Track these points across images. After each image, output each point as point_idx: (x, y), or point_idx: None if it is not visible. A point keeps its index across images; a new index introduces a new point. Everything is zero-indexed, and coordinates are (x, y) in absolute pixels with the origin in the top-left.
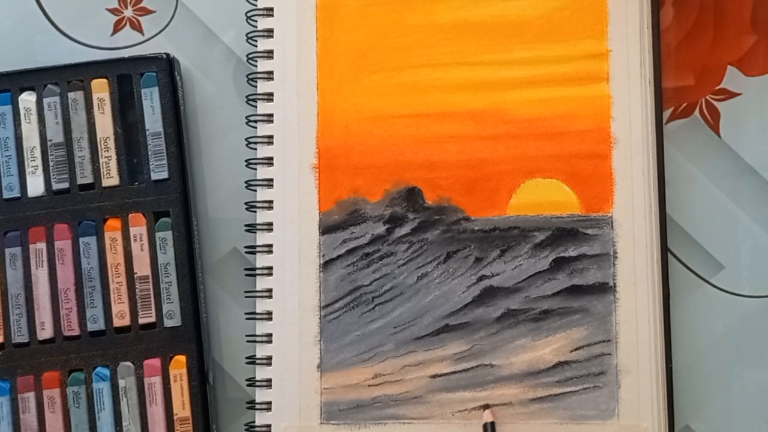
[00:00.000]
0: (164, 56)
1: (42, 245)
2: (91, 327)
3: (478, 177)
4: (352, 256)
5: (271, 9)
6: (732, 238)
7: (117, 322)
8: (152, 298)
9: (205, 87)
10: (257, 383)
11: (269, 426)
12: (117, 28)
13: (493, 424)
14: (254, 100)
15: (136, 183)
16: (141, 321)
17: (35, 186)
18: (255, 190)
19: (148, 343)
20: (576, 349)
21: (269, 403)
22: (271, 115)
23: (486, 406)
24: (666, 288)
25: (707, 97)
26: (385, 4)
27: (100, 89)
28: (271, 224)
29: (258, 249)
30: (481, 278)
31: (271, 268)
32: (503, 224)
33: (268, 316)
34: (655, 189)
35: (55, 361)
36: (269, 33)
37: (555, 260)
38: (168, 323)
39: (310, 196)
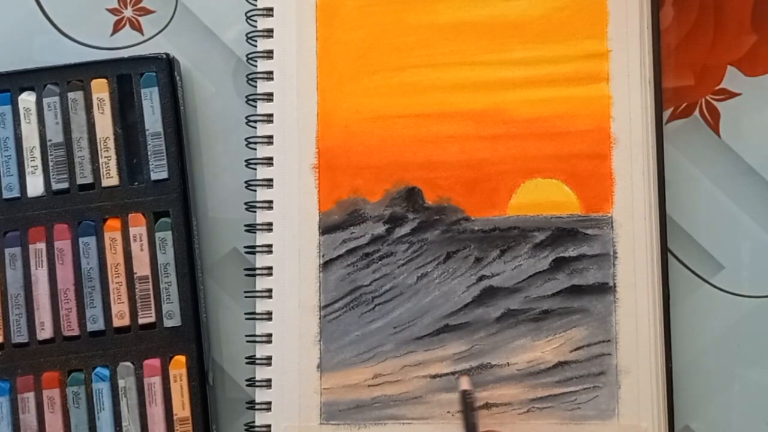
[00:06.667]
0: (164, 56)
1: (42, 245)
2: (90, 327)
3: (478, 177)
4: (352, 256)
5: (271, 9)
6: (732, 238)
7: (117, 322)
8: (152, 298)
9: (205, 87)
10: (257, 383)
11: (269, 426)
12: (117, 28)
13: (467, 392)
14: (254, 100)
15: (136, 183)
16: (141, 321)
17: (35, 186)
18: (255, 190)
19: (147, 343)
20: (576, 349)
21: (269, 403)
22: (271, 115)
23: (463, 374)
24: (666, 288)
25: (707, 97)
26: (385, 4)
27: (100, 89)
28: (271, 224)
29: (258, 249)
30: (481, 278)
31: (271, 268)
32: (503, 224)
33: (268, 316)
34: (655, 189)
35: (55, 361)
36: (269, 33)
37: (555, 260)
38: (168, 323)
39: (310, 196)
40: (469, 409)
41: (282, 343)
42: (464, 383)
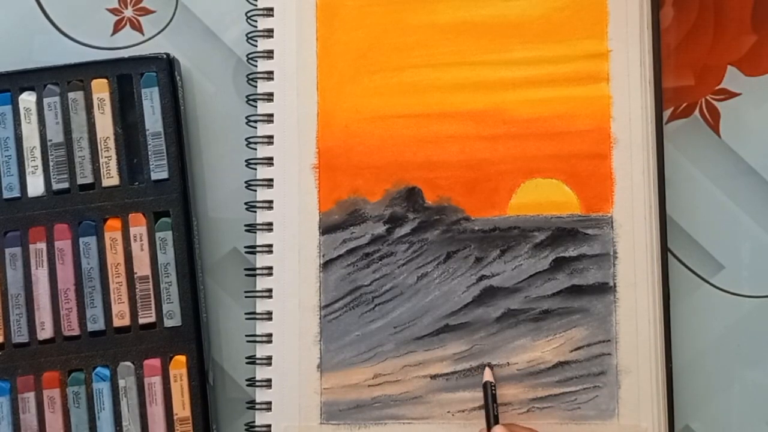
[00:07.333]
0: (164, 56)
1: (42, 245)
2: (91, 327)
3: (478, 177)
4: (352, 256)
5: (271, 9)
6: (732, 238)
7: (117, 322)
8: (152, 298)
9: (205, 87)
10: (257, 383)
11: (269, 426)
12: (117, 28)
13: (490, 384)
14: (254, 100)
15: (136, 183)
16: (141, 321)
17: (35, 186)
18: (255, 190)
19: (148, 343)
20: (576, 349)
21: (269, 403)
22: (271, 115)
23: (488, 365)
24: (666, 288)
25: (707, 97)
26: (385, 4)
27: (100, 89)
28: (271, 224)
29: (258, 249)
30: (481, 278)
31: (271, 268)
32: (503, 224)
33: (268, 316)
34: (655, 189)
35: (55, 361)
36: (269, 33)
37: (555, 260)
38: (168, 323)
39: (310, 196)
40: (491, 400)
41: (282, 343)
42: (487, 375)
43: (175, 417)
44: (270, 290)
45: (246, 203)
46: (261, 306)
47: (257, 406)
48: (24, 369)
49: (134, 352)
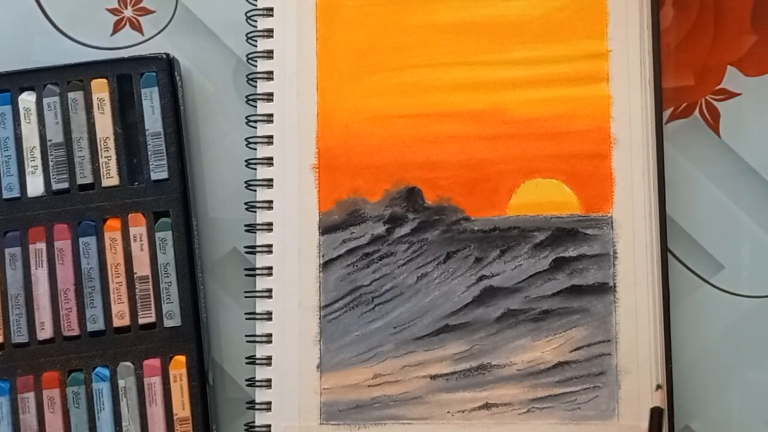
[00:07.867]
0: (164, 56)
1: (42, 245)
2: (90, 327)
3: (478, 177)
4: (352, 256)
5: (271, 9)
6: (732, 238)
7: (117, 322)
8: (152, 298)
9: (205, 87)
10: (257, 383)
11: (269, 426)
12: (117, 28)
13: (660, 410)
14: (254, 100)
15: (136, 183)
16: (141, 321)
17: (35, 186)
18: (255, 190)
19: (147, 343)
20: (576, 349)
21: (269, 403)
22: (271, 115)
23: (658, 387)
24: (666, 288)
25: (707, 97)
26: (385, 4)
27: (100, 89)
28: (270, 224)
29: (258, 249)
30: (481, 278)
31: (271, 268)
32: (503, 224)
33: (268, 316)
34: (655, 189)
35: (55, 361)
36: (269, 33)
37: (555, 260)
38: (168, 323)
39: (310, 196)
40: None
41: (282, 343)
42: (657, 399)
43: (174, 417)
44: (270, 290)
45: (246, 203)
46: (261, 306)
47: (257, 406)
48: (24, 369)
49: (134, 352)
